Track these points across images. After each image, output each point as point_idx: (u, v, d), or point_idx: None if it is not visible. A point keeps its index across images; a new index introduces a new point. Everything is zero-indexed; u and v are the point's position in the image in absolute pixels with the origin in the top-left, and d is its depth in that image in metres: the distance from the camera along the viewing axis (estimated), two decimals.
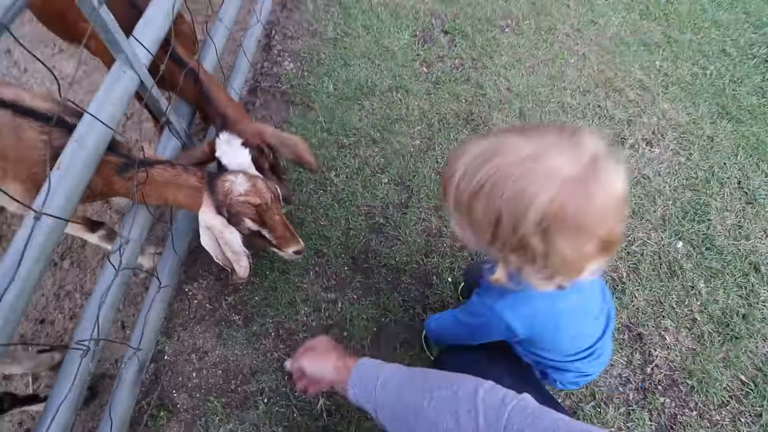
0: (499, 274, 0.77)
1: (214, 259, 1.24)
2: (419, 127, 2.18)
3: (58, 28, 1.66)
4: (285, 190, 1.27)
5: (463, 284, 1.73)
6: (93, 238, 1.58)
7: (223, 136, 1.34)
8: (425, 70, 2.41)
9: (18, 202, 0.86)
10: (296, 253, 1.37)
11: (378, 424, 0.66)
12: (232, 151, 1.32)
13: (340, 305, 1.71)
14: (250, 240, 1.31)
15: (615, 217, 0.63)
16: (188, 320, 1.66)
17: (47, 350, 1.62)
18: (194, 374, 1.56)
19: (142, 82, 1.28)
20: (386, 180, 2.01)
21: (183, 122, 1.59)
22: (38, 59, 0.82)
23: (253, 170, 1.32)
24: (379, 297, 1.72)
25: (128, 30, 1.25)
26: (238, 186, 1.22)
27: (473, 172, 0.64)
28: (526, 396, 0.57)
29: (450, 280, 1.76)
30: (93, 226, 1.56)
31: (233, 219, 1.22)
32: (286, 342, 1.61)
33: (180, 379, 1.55)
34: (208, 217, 1.20)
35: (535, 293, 0.79)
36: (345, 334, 1.65)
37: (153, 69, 1.31)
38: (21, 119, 1.12)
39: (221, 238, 1.21)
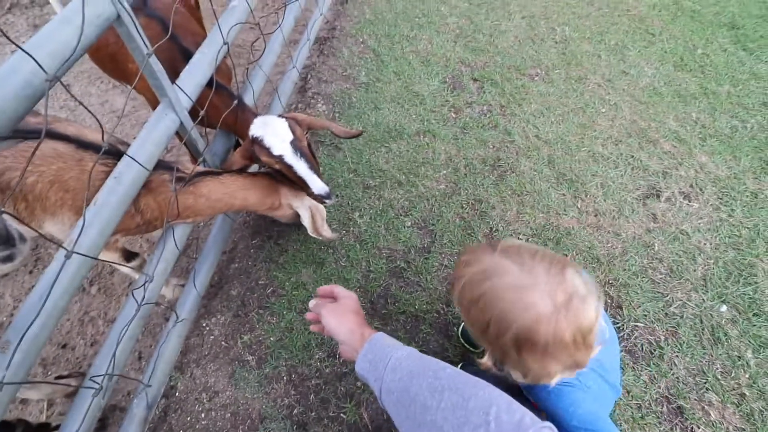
0: (486, 360, 0.87)
1: (310, 233, 1.63)
2: (445, 172, 2.18)
3: (109, 69, 1.80)
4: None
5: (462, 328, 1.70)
6: (126, 269, 1.62)
7: (258, 120, 1.47)
8: (453, 115, 2.44)
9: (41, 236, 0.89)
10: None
11: (380, 404, 0.64)
12: (271, 126, 1.43)
13: None
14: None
15: (579, 348, 0.74)
16: (202, 356, 1.64)
17: (65, 376, 1.63)
18: (203, 415, 1.52)
19: (182, 123, 1.35)
20: (409, 223, 1.99)
21: (216, 160, 1.66)
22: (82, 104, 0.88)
23: (291, 138, 1.44)
24: None
25: (176, 71, 1.34)
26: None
27: (473, 286, 0.78)
28: (548, 424, 0.53)
29: None
30: (129, 256, 1.60)
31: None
32: (298, 388, 1.55)
33: (189, 419, 1.51)
34: (307, 202, 1.59)
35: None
36: (359, 384, 1.58)
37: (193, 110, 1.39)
38: (83, 152, 1.19)
39: (320, 213, 1.62)
